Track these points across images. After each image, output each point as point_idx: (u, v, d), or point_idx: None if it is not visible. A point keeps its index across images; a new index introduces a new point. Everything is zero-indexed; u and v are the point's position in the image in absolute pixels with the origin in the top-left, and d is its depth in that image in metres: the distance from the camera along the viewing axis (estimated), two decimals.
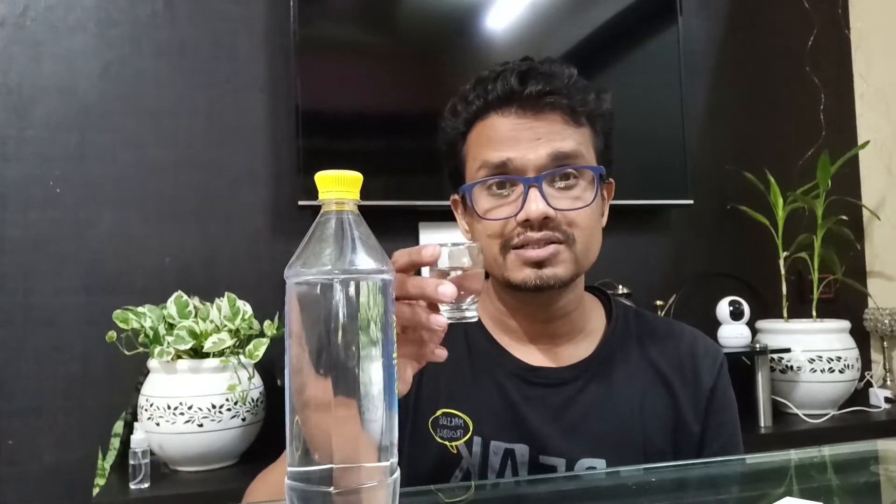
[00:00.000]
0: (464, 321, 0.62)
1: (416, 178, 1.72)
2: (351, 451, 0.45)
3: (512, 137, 0.78)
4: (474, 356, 0.86)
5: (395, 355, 0.47)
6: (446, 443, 0.83)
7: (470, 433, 0.82)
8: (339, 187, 0.47)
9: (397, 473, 0.47)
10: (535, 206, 0.75)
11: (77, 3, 1.59)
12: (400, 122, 1.73)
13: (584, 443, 0.81)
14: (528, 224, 0.76)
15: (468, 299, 0.62)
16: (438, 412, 0.84)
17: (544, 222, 0.76)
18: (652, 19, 1.93)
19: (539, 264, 0.77)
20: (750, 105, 2.10)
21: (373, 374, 0.45)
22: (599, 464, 0.80)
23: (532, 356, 0.85)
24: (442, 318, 0.59)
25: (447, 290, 0.57)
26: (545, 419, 0.82)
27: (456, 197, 0.88)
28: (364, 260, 0.46)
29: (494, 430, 0.82)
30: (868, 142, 2.03)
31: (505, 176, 0.78)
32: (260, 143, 1.69)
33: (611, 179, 0.86)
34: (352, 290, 0.45)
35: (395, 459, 0.47)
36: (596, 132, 0.82)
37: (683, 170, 1.91)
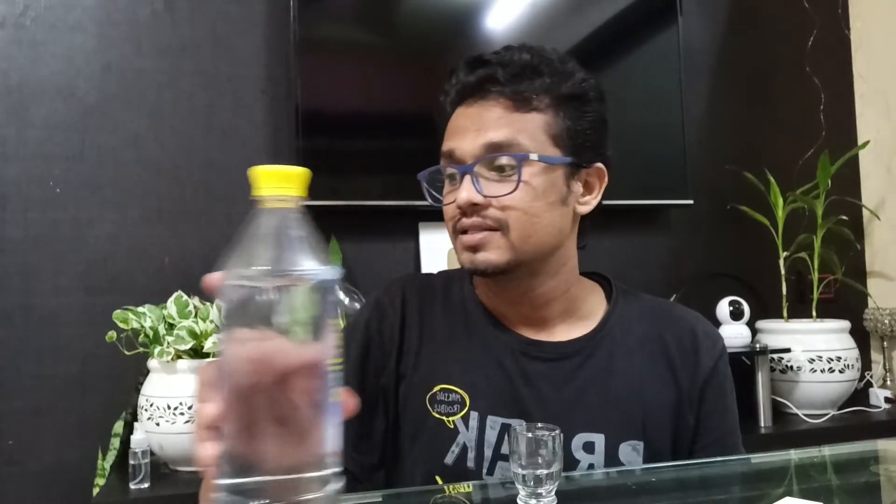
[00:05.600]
0: None
1: (416, 178, 1.71)
2: (288, 460, 0.42)
3: (458, 127, 0.83)
4: (472, 331, 0.87)
5: (335, 360, 0.44)
6: (443, 418, 0.84)
7: (467, 408, 0.83)
8: (278, 183, 0.45)
9: (340, 484, 0.44)
10: (463, 193, 0.79)
11: (77, 3, 1.59)
12: (400, 122, 1.73)
13: (582, 417, 0.81)
14: (461, 210, 0.80)
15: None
16: (436, 388, 0.85)
17: (475, 208, 0.79)
18: (652, 19, 1.93)
19: (474, 249, 0.80)
20: (750, 105, 2.10)
21: None
22: (598, 438, 0.80)
23: (529, 334, 0.86)
24: None
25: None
26: (543, 393, 0.82)
27: None
28: (301, 261, 0.43)
29: (491, 404, 0.83)
30: (868, 142, 2.03)
31: (440, 165, 0.84)
32: (260, 143, 1.69)
33: (598, 165, 0.84)
34: (288, 292, 0.42)
35: (336, 469, 0.44)
36: (559, 116, 0.81)
37: (683, 170, 1.91)
